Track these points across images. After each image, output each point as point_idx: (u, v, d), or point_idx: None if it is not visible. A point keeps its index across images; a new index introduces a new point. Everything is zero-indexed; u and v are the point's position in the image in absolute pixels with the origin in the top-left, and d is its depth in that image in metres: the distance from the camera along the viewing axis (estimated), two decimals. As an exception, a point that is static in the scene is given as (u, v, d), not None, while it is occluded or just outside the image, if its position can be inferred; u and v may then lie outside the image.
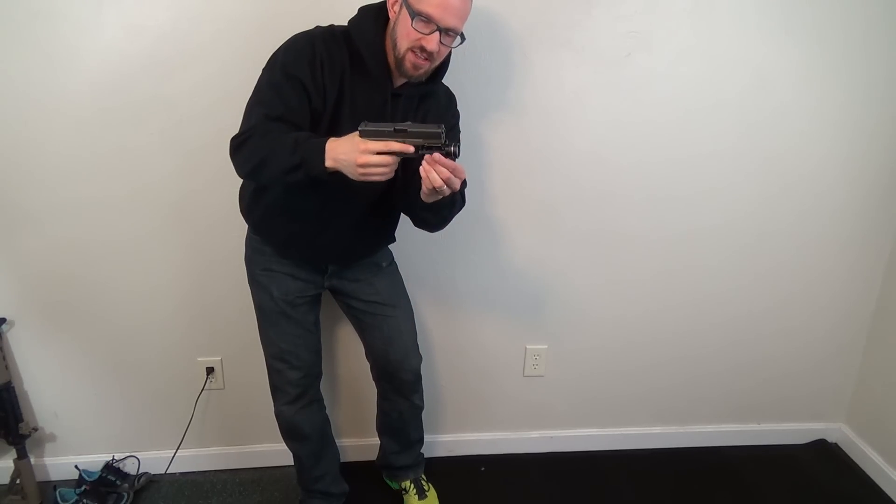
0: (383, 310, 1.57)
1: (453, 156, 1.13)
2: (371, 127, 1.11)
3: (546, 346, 1.98)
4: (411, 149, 1.09)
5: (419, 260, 1.78)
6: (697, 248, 1.91)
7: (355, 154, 1.10)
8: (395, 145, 1.09)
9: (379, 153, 1.09)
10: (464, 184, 1.26)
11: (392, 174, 1.13)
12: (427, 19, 1.18)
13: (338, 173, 1.15)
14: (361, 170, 1.10)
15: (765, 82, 1.73)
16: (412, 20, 1.19)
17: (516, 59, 1.63)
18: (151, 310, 1.76)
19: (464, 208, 1.76)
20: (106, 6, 1.47)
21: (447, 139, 1.10)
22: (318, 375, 1.63)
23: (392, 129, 1.10)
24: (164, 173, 1.63)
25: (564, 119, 1.71)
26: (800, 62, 1.73)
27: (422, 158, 1.12)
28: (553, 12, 1.60)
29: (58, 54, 1.49)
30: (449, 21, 1.19)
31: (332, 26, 1.31)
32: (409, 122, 1.12)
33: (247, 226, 1.50)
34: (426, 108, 1.38)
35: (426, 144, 1.10)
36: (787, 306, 2.02)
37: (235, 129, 1.33)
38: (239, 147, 1.23)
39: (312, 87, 1.24)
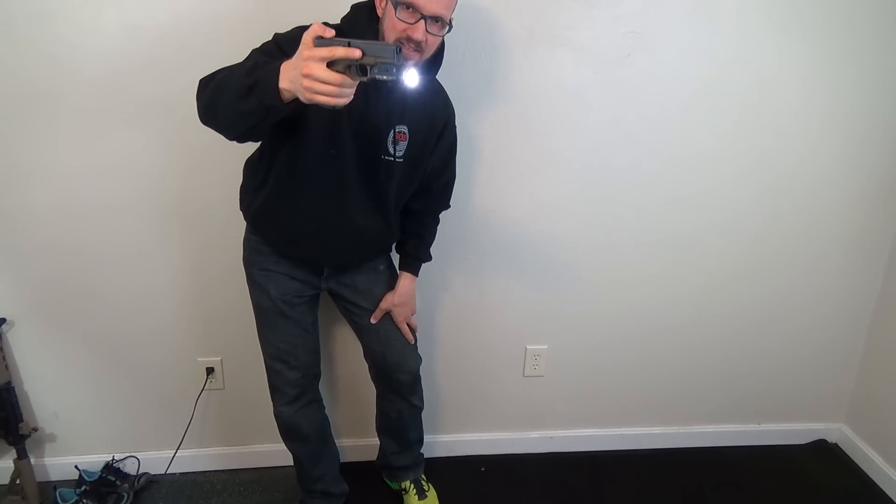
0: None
1: (399, 79, 1.03)
2: (325, 40, 0.99)
3: (546, 346, 1.98)
4: (357, 53, 0.95)
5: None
6: (697, 248, 1.91)
7: (300, 63, 0.97)
8: (340, 51, 0.95)
9: (324, 60, 0.96)
10: (436, 221, 1.63)
11: (345, 99, 0.99)
12: (410, 7, 1.17)
13: (294, 105, 1.04)
14: (307, 82, 0.95)
15: (765, 82, 1.73)
16: (395, 10, 1.17)
17: (516, 59, 1.63)
18: (151, 310, 1.76)
19: (464, 208, 1.77)
20: (106, 6, 1.47)
21: (401, 60, 0.98)
22: (317, 375, 1.63)
23: (347, 42, 0.97)
24: (165, 174, 1.63)
25: (564, 119, 1.71)
26: (800, 62, 1.72)
27: (374, 82, 0.99)
28: (553, 12, 1.60)
29: (58, 54, 1.49)
30: (433, 8, 1.17)
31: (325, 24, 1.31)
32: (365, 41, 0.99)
33: (245, 226, 1.50)
34: (422, 105, 1.37)
35: (378, 62, 0.97)
36: (787, 306, 2.02)
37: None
38: (205, 84, 1.16)
39: None
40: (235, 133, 1.17)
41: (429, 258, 1.63)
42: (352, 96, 0.99)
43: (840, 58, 1.73)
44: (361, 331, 1.62)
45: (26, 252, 1.65)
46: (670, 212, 1.85)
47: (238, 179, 1.47)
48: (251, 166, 1.44)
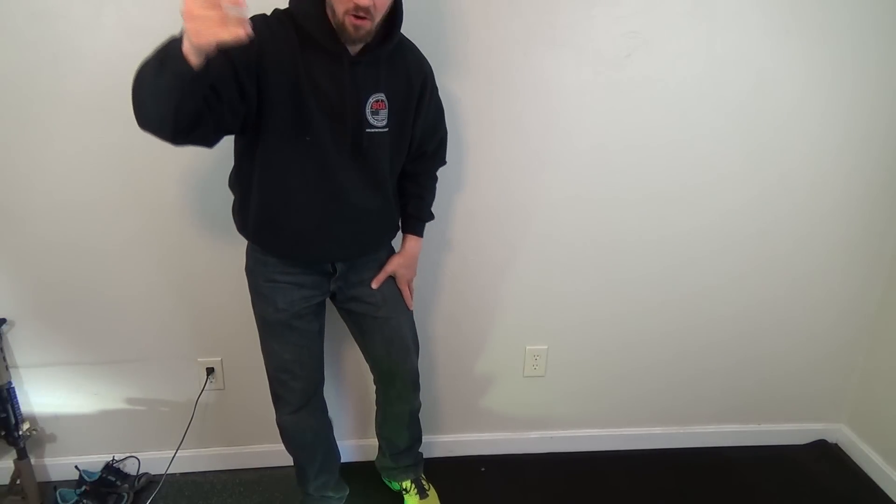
0: (385, 311, 1.55)
1: None
2: None
3: (546, 347, 1.98)
4: None
5: (419, 260, 1.78)
6: (697, 249, 1.91)
7: (183, 13, 0.92)
8: None
9: None
10: (434, 179, 1.62)
11: (240, 27, 0.92)
12: None
13: (206, 70, 1.00)
14: (190, 26, 0.91)
15: (765, 82, 1.73)
16: None
17: (516, 59, 1.63)
18: (151, 310, 1.76)
19: (462, 209, 1.76)
20: (106, 6, 1.47)
21: None
22: (321, 381, 1.62)
23: None
24: (164, 174, 1.62)
25: (564, 119, 1.71)
26: (800, 62, 1.72)
27: None
28: (553, 12, 1.60)
29: (58, 54, 1.49)
30: None
31: (276, 10, 1.27)
32: None
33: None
34: (395, 70, 1.33)
35: None
36: (787, 306, 2.02)
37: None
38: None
39: (242, 62, 1.17)
40: (168, 124, 1.07)
41: (431, 217, 1.62)
42: (246, 16, 0.92)
43: (841, 58, 1.73)
44: (364, 330, 1.60)
45: (26, 252, 1.66)
46: (670, 212, 1.85)
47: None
48: (233, 185, 1.42)
